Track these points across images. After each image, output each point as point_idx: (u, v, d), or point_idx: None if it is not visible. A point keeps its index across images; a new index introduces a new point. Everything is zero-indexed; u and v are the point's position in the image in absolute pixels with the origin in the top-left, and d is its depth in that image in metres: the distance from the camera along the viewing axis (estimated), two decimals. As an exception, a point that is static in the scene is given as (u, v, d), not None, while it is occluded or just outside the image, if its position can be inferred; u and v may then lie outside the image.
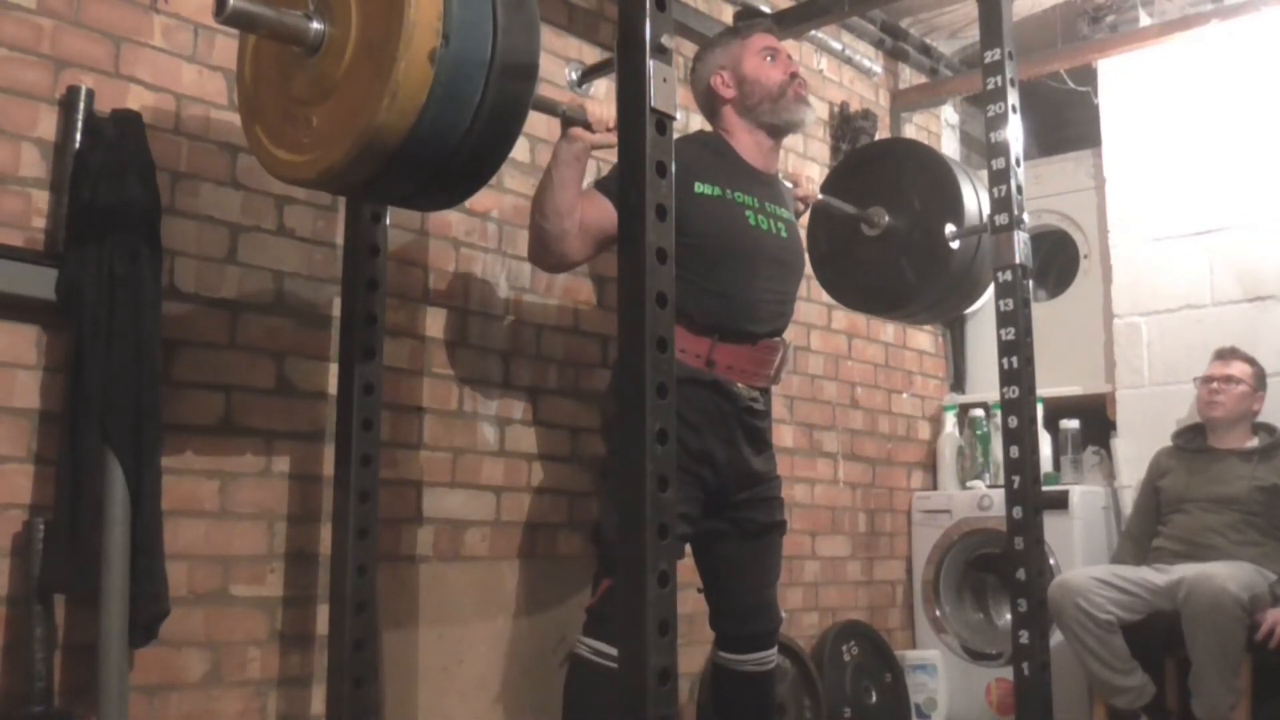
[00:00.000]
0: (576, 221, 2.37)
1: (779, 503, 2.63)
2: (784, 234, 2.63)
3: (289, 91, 1.90)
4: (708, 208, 2.47)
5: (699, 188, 2.46)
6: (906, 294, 3.13)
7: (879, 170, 3.21)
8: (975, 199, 3.05)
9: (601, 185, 2.46)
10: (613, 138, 1.99)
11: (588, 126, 2.31)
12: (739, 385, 2.48)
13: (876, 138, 4.39)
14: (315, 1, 1.85)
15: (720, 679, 2.62)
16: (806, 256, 2.98)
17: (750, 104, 2.61)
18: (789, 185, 2.82)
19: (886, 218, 3.10)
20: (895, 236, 3.10)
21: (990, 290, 2.94)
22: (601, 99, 2.25)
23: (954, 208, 3.02)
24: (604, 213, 2.36)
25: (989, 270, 2.91)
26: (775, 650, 2.61)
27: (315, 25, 1.84)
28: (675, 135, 1.75)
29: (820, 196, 3.00)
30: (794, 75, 2.64)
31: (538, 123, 3.15)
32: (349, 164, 1.79)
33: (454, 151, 1.82)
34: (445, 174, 1.89)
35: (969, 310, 4.65)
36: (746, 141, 2.64)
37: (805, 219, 3.06)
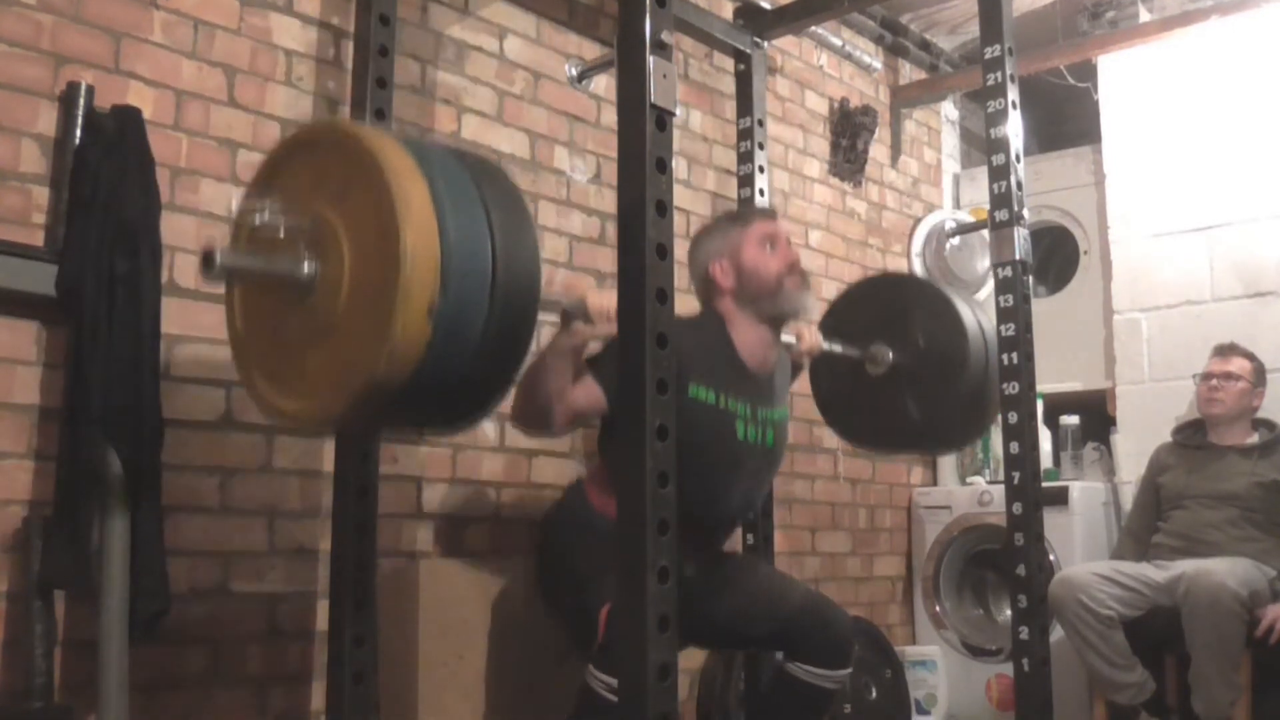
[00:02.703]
0: (566, 405, 2.31)
1: (723, 554, 2.66)
2: (770, 441, 2.59)
3: (283, 333, 1.82)
4: (698, 416, 2.40)
5: (694, 390, 2.41)
6: (918, 433, 3.01)
7: (875, 304, 3.07)
8: (975, 321, 2.93)
9: (595, 366, 2.36)
10: (613, 327, 1.94)
11: (588, 319, 2.21)
12: None
13: (876, 133, 4.39)
14: (306, 240, 1.75)
15: (787, 690, 2.59)
16: (814, 402, 3.10)
17: (749, 296, 2.55)
18: (791, 341, 2.72)
19: (890, 354, 2.95)
20: (901, 372, 2.95)
21: (990, 286, 2.94)
22: (601, 290, 2.19)
23: (958, 335, 2.88)
24: (594, 400, 2.33)
25: (995, 396, 2.83)
26: (848, 671, 2.61)
27: (307, 267, 1.73)
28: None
29: (824, 346, 2.85)
30: (793, 265, 2.57)
31: (539, 119, 3.16)
32: (348, 414, 1.74)
33: (457, 390, 1.76)
34: (450, 409, 1.85)
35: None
36: (746, 335, 2.57)
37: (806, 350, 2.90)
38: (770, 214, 2.68)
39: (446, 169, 1.74)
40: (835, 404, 3.15)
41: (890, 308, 3.02)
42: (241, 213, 1.81)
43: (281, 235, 1.75)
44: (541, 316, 1.92)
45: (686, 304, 2.24)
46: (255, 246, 1.78)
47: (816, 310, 2.75)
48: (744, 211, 2.70)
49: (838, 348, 2.89)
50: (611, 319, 2.08)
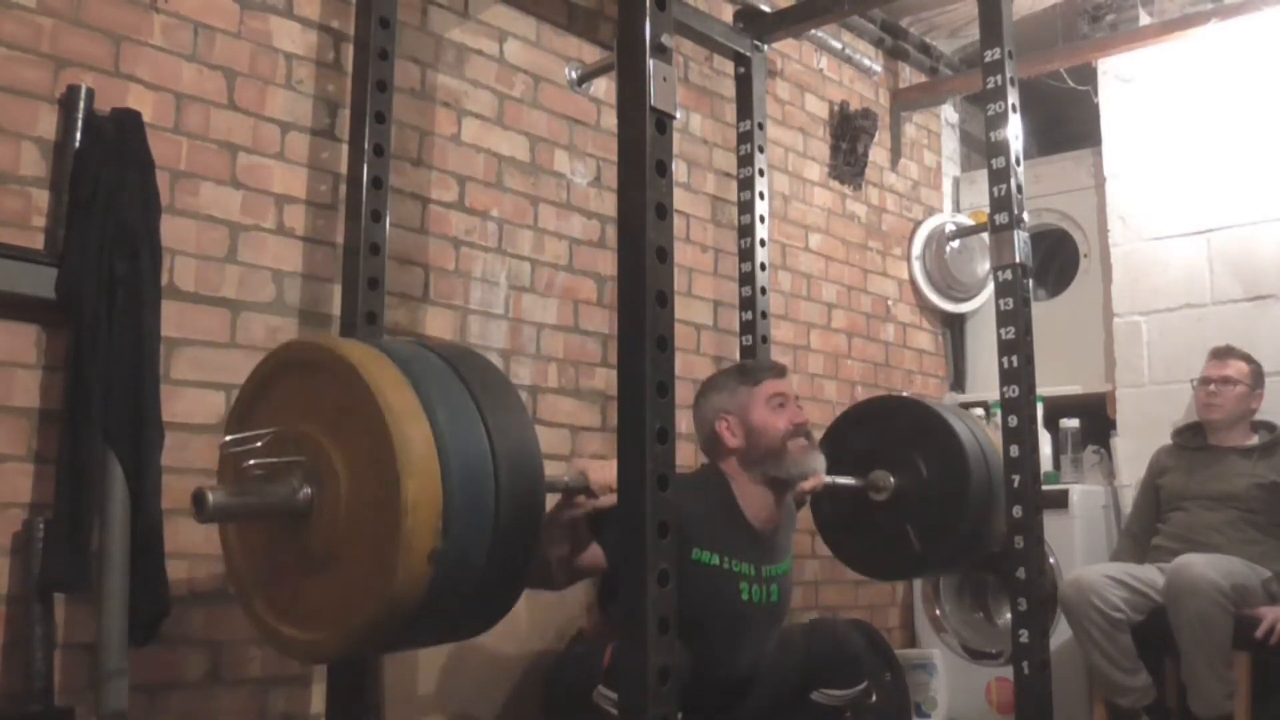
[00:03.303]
0: (566, 567, 2.30)
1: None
2: (774, 598, 2.56)
3: (281, 561, 1.81)
4: (702, 580, 2.39)
5: (696, 554, 2.40)
6: (921, 561, 3.03)
7: (877, 428, 3.08)
8: (978, 446, 2.93)
9: (596, 529, 2.32)
10: (614, 498, 1.94)
11: (590, 493, 2.18)
12: None
13: (876, 137, 4.39)
14: (301, 468, 1.75)
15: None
16: (816, 526, 3.13)
17: (755, 457, 2.53)
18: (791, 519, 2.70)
19: (892, 480, 2.96)
20: (905, 499, 2.95)
21: (990, 289, 2.93)
22: (602, 463, 2.16)
23: (959, 468, 2.89)
24: (595, 560, 2.32)
25: (1000, 520, 2.84)
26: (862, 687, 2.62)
27: (302, 495, 1.73)
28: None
29: (826, 479, 2.77)
30: (800, 426, 2.55)
31: (538, 122, 3.16)
32: (351, 648, 1.75)
33: (461, 613, 1.76)
34: (456, 628, 1.86)
35: (968, 309, 4.68)
36: (751, 496, 2.54)
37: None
38: (780, 372, 2.64)
39: (446, 391, 1.71)
40: (838, 531, 3.14)
41: (890, 431, 3.01)
42: (229, 450, 1.79)
43: (274, 463, 1.74)
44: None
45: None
46: (247, 479, 1.77)
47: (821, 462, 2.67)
48: (753, 368, 2.64)
49: (842, 480, 2.87)
50: (613, 490, 2.03)
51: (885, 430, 3.04)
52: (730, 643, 2.47)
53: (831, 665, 2.57)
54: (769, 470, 2.53)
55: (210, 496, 1.66)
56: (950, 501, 2.89)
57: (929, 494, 2.92)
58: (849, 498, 2.99)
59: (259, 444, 1.76)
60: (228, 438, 1.81)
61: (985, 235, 2.97)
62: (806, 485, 2.69)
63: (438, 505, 1.62)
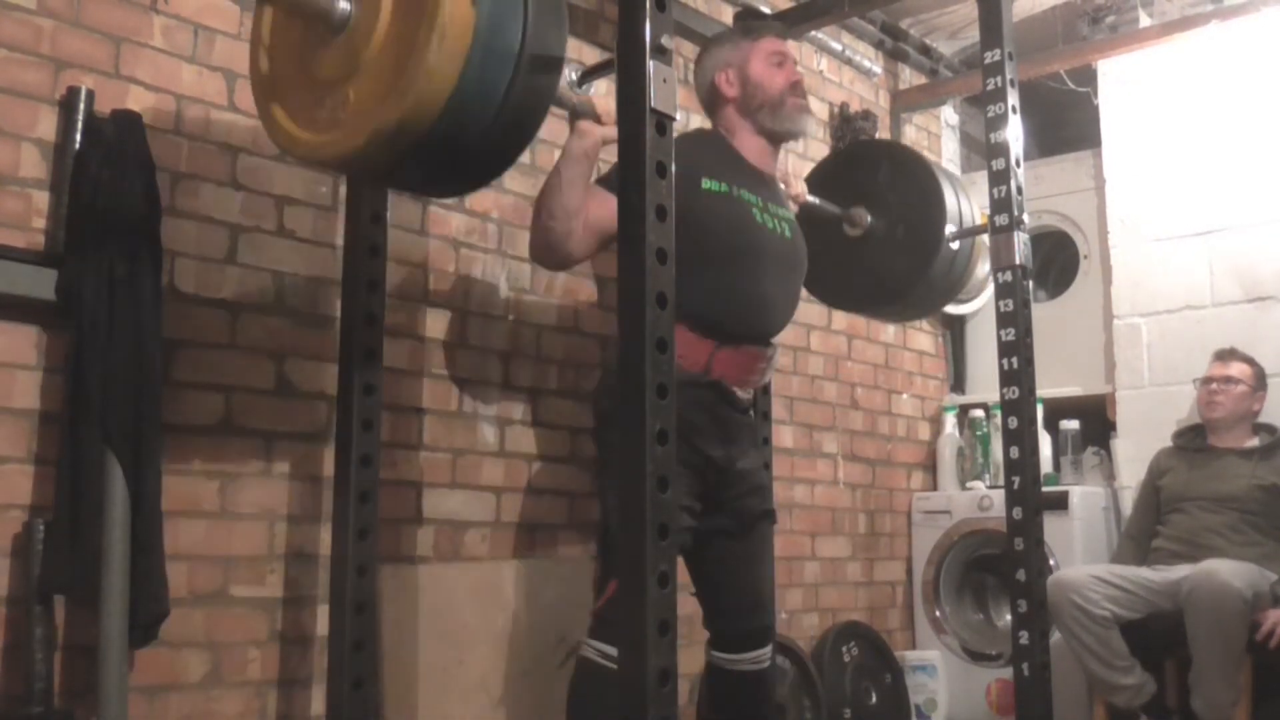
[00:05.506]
0: (583, 220, 2.35)
1: (768, 491, 2.67)
2: (788, 234, 2.63)
3: (314, 68, 1.90)
4: (715, 205, 2.45)
5: (705, 184, 2.45)
6: (888, 292, 3.15)
7: (859, 172, 3.20)
8: (955, 199, 3.04)
9: (605, 182, 2.43)
10: (614, 131, 1.98)
11: (597, 119, 2.29)
12: (735, 389, 2.49)
13: (876, 138, 4.39)
14: None
15: (717, 680, 2.61)
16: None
17: (753, 106, 2.61)
18: (781, 186, 2.80)
19: (869, 218, 3.10)
20: (877, 236, 3.11)
21: (990, 291, 2.94)
22: (604, 95, 2.25)
23: (936, 207, 3.02)
24: (610, 211, 2.29)
25: (969, 269, 2.92)
26: (771, 648, 2.61)
27: (341, 7, 1.85)
28: (675, 134, 1.75)
29: (808, 197, 2.97)
30: (797, 84, 2.62)
31: (538, 123, 3.15)
32: (368, 150, 1.80)
33: (475, 145, 1.85)
34: (464, 165, 1.91)
35: (968, 310, 4.67)
36: (749, 144, 2.63)
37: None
38: (780, 31, 2.71)
39: None
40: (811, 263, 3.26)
41: (875, 174, 3.14)
42: None
43: None
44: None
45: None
46: None
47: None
48: (755, 25, 2.72)
49: (822, 203, 2.99)
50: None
51: (869, 171, 3.17)
52: (753, 265, 2.50)
53: (730, 633, 2.57)
54: (765, 122, 2.61)
55: None
56: (923, 243, 3.01)
57: (903, 226, 3.05)
58: (820, 233, 3.06)
59: None
60: None
61: (985, 237, 2.97)
62: (793, 191, 2.83)
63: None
